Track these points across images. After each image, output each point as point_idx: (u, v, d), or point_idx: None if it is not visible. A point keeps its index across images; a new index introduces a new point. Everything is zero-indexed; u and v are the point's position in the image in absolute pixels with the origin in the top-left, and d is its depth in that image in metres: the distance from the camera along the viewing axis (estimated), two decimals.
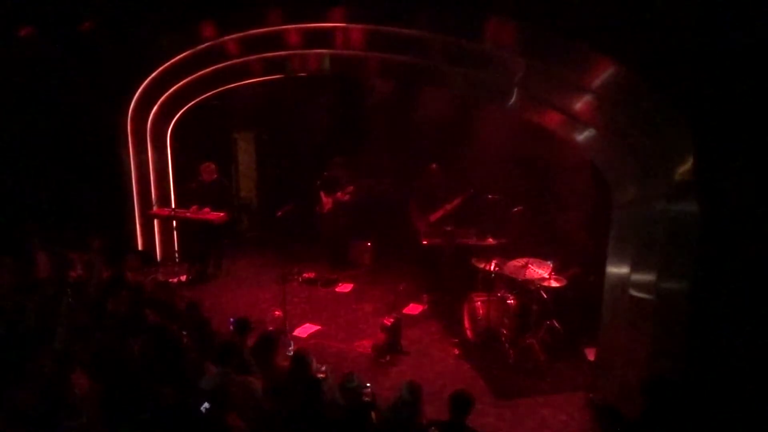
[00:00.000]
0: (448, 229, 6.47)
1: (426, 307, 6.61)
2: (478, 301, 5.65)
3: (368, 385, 3.67)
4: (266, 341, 4.33)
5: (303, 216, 7.46)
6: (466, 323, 5.80)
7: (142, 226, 7.53)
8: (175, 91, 7.14)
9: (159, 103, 7.27)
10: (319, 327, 6.08)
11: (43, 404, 3.15)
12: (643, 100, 3.76)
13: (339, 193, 7.66)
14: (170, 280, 6.89)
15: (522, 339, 5.35)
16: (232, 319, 4.66)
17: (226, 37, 5.92)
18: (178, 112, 7.65)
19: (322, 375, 3.77)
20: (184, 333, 4.36)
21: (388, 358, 5.39)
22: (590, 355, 5.20)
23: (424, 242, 6.64)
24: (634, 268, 4.18)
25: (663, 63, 3.43)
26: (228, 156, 9.02)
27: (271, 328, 5.49)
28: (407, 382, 3.68)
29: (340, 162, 7.77)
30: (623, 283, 4.29)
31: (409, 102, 7.57)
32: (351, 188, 7.61)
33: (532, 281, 5.33)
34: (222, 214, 7.08)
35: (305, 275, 7.46)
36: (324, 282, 7.36)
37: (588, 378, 4.95)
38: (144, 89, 6.88)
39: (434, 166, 6.99)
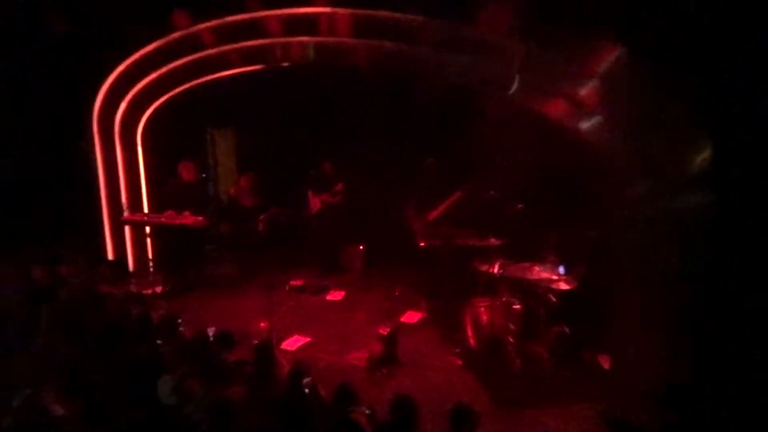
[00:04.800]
0: (448, 229, 6.48)
1: (424, 314, 6.63)
2: (480, 307, 5.67)
3: (367, 411, 3.66)
4: (264, 352, 4.34)
5: (289, 218, 7.46)
6: (469, 331, 5.81)
7: (112, 233, 7.50)
8: (145, 85, 7.11)
9: (128, 98, 7.24)
10: (308, 339, 6.07)
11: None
12: (652, 86, 3.79)
13: (327, 193, 7.66)
14: (145, 291, 6.86)
15: (529, 346, 5.37)
16: (211, 331, 4.66)
17: (201, 26, 5.91)
18: (149, 108, 7.62)
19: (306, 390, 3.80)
20: (161, 350, 4.36)
21: (384, 370, 5.39)
22: (603, 362, 5.22)
23: (422, 244, 6.64)
24: (647, 267, 4.21)
25: (674, 46, 3.46)
26: (205, 155, 9.00)
27: (256, 341, 5.47)
28: (399, 396, 3.66)
29: (328, 159, 7.78)
30: (635, 284, 4.31)
31: (401, 93, 7.59)
32: (340, 187, 7.63)
33: (539, 284, 5.35)
34: (201, 218, 7.06)
35: (293, 283, 7.46)
36: (313, 289, 7.36)
37: (601, 387, 4.97)
38: (112, 83, 6.85)
39: (431, 161, 7.01)
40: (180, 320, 5.26)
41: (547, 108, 5.08)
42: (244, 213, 7.60)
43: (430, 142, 7.40)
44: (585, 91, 4.41)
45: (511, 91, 5.19)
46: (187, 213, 7.09)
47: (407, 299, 6.87)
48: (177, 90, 7.46)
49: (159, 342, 4.49)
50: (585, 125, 4.76)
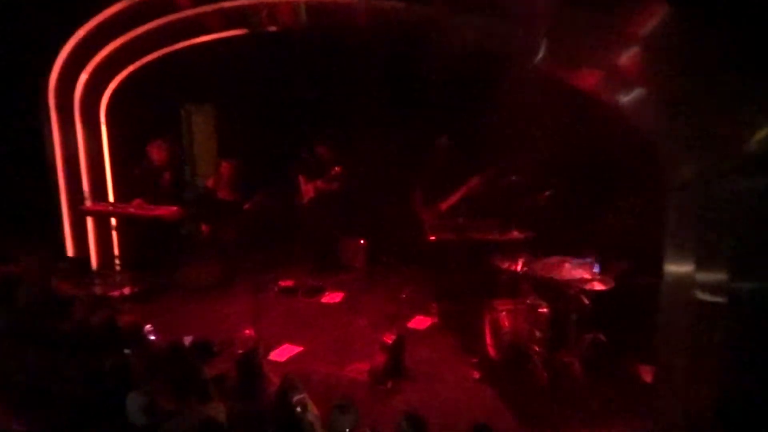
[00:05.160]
0: (463, 220, 6.47)
1: (436, 319, 6.64)
2: (501, 311, 5.66)
3: None
4: (248, 364, 4.35)
5: (278, 209, 7.47)
6: (488, 338, 5.81)
7: (72, 225, 7.51)
8: (110, 53, 7.09)
9: (90, 68, 7.22)
10: (301, 348, 6.08)
11: None
12: (703, 54, 3.75)
13: (322, 179, 7.66)
14: (111, 293, 6.88)
15: (558, 357, 5.36)
16: (188, 340, 4.67)
17: None
18: (114, 81, 7.60)
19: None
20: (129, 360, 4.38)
21: (389, 384, 5.39)
22: (645, 374, 5.21)
23: (432, 238, 6.62)
24: (700, 264, 4.18)
25: (730, 5, 3.42)
26: (180, 135, 8.99)
27: (240, 351, 5.50)
28: (407, 414, 3.68)
29: (323, 139, 7.76)
30: (685, 283, 4.28)
31: (408, 62, 7.56)
32: (337, 171, 7.62)
33: (569, 284, 5.32)
34: (175, 208, 7.06)
35: (282, 283, 7.49)
36: (306, 291, 7.40)
37: (643, 404, 4.96)
38: (70, 51, 6.83)
39: (444, 140, 7.01)
40: (151, 327, 5.29)
41: (579, 79, 5.05)
42: (224, 209, 7.57)
43: (442, 118, 7.38)
44: (624, 58, 4.37)
45: (537, 59, 5.15)
46: (172, 202, 7.14)
47: (416, 302, 6.90)
48: (147, 59, 7.45)
49: (127, 352, 4.49)
50: (624, 99, 4.72)
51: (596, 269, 5.36)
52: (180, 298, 7.30)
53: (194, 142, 9.36)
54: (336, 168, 7.64)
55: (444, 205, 6.86)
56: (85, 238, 7.66)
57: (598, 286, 5.29)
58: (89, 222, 7.65)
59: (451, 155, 7.00)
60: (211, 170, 9.26)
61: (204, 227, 7.48)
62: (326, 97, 8.22)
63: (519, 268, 5.67)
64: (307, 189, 7.80)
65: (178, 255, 7.70)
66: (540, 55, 5.09)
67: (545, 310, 5.50)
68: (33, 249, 6.04)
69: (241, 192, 7.61)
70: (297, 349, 6.07)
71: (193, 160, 9.28)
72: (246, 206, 7.04)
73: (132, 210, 7.17)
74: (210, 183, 7.79)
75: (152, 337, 5.29)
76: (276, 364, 5.76)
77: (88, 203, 7.42)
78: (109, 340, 4.86)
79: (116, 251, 7.80)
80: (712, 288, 4.05)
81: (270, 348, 5.99)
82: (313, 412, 3.88)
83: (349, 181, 7.85)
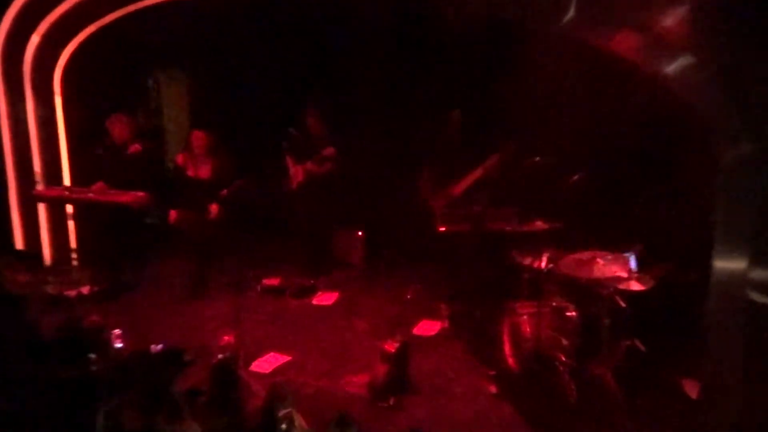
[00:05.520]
0: (478, 208, 6.45)
1: (445, 324, 6.62)
2: (522, 315, 5.65)
3: None
4: (225, 375, 4.35)
5: (261, 195, 7.45)
6: (507, 346, 5.80)
7: (21, 213, 7.51)
8: (65, 11, 7.05)
9: (42, 30, 7.19)
10: (288, 357, 6.06)
11: None
12: (760, 15, 3.72)
13: (313, 160, 7.63)
14: (67, 293, 6.87)
15: (588, 368, 5.35)
16: (157, 347, 4.67)
17: None
18: (71, 44, 7.56)
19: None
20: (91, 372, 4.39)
21: (391, 400, 5.36)
22: (690, 389, 5.20)
23: (442, 229, 6.63)
24: (755, 259, 4.16)
25: None
26: (147, 108, 8.96)
27: (221, 356, 5.50)
28: None
29: (314, 114, 7.74)
30: (738, 282, 4.27)
31: (416, 22, 7.52)
32: (331, 151, 7.58)
33: (602, 283, 5.30)
34: (142, 194, 7.04)
35: (267, 282, 7.50)
36: (295, 291, 7.41)
37: (688, 423, 4.96)
38: (19, 10, 6.79)
39: (457, 114, 6.98)
40: (115, 332, 5.28)
41: (614, 44, 5.02)
42: (197, 190, 7.33)
43: (454, 88, 7.37)
44: (669, 20, 4.34)
45: (566, 20, 5.12)
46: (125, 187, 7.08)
47: (422, 304, 6.89)
48: (109, 18, 7.40)
49: (88, 361, 4.48)
50: (669, 68, 4.69)
51: (633, 266, 5.35)
52: (148, 298, 7.29)
53: (164, 116, 9.31)
54: (329, 148, 7.61)
55: (456, 191, 6.84)
56: (37, 229, 7.66)
57: (636, 286, 5.26)
58: (41, 209, 7.64)
59: (465, 132, 6.96)
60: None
61: (172, 213, 7.31)
62: (319, 63, 8.17)
63: (543, 264, 5.63)
64: (296, 172, 7.76)
65: (146, 248, 7.67)
66: (569, 14, 5.07)
67: (573, 313, 5.48)
68: None
69: (218, 170, 7.46)
70: (284, 359, 6.04)
71: (163, 137, 9.23)
72: (224, 192, 6.98)
73: (92, 195, 7.14)
74: (179, 159, 7.59)
75: (119, 344, 5.30)
76: (259, 375, 5.73)
77: (40, 187, 7.40)
78: (68, 348, 4.86)
79: (73, 244, 7.78)
80: None
81: (253, 357, 5.96)
82: (302, 427, 3.87)
83: (345, 162, 7.80)
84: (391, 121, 8.02)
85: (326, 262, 8.05)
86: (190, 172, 7.25)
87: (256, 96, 8.43)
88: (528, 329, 5.60)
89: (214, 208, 7.11)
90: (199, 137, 7.23)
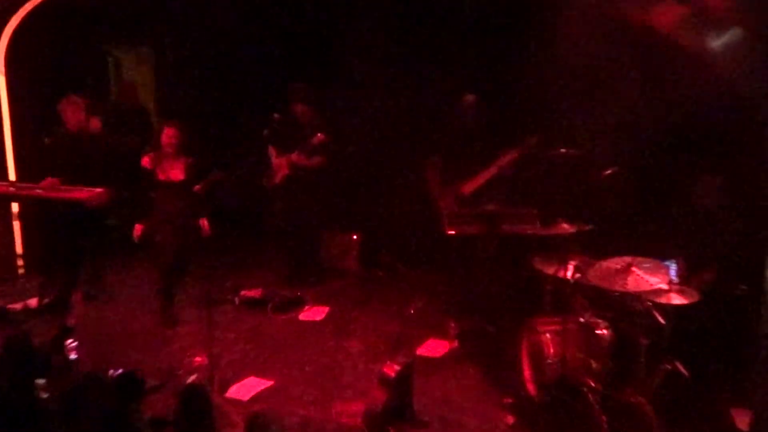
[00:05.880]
0: (494, 208, 6.39)
1: (455, 343, 6.58)
2: (545, 333, 5.61)
3: None
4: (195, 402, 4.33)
5: (239, 191, 7.43)
6: (526, 370, 5.78)
7: None
8: None
9: None
10: (270, 382, 6.05)
11: None
12: None
13: (300, 150, 7.60)
14: (11, 306, 6.86)
15: (622, 395, 5.32)
16: (115, 371, 4.66)
17: None
18: (15, 17, 7.55)
19: None
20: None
21: None
22: (741, 420, 5.18)
23: (452, 232, 6.53)
24: None
25: None
26: (105, 90, 8.95)
27: (191, 380, 5.49)
28: None
29: (300, 96, 7.71)
30: None
31: None
32: (321, 139, 7.53)
33: (638, 296, 5.28)
34: (100, 190, 6.99)
35: (246, 293, 7.48)
36: (279, 304, 7.38)
37: None
38: None
39: (470, 98, 6.94)
40: (69, 344, 5.25)
41: (652, 16, 5.01)
42: (169, 194, 6.99)
43: (468, 68, 7.36)
44: None
45: None
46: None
47: (428, 320, 6.87)
48: None
49: (37, 386, 4.46)
50: (714, 42, 4.68)
51: (674, 276, 5.33)
52: (107, 312, 7.28)
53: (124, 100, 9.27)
54: (319, 135, 7.56)
55: (469, 188, 6.80)
56: None
57: (678, 300, 5.23)
58: None
59: (480, 119, 6.92)
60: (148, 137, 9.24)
61: (137, 228, 7.13)
62: (307, 36, 8.15)
63: (570, 274, 5.59)
64: (280, 164, 7.75)
65: (105, 254, 7.65)
66: None
67: (605, 331, 5.42)
68: None
69: (192, 169, 7.29)
70: (265, 384, 6.02)
71: (122, 124, 9.21)
72: (197, 188, 6.92)
73: (41, 192, 7.09)
74: (146, 161, 7.36)
75: (73, 356, 5.28)
76: (237, 403, 5.70)
77: None
78: (14, 370, 4.85)
79: (19, 248, 7.77)
80: None
81: (229, 381, 5.95)
82: None
83: (338, 152, 7.79)
84: (393, 105, 7.99)
85: (315, 270, 8.03)
86: (160, 176, 7.03)
87: (234, 77, 8.40)
88: (551, 350, 5.56)
89: (205, 223, 6.96)
90: (170, 135, 6.94)
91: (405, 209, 7.55)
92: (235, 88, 8.43)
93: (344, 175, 7.94)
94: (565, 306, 5.62)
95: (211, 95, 8.61)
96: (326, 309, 7.37)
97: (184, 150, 7.03)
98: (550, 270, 5.76)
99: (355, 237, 8.10)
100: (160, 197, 6.99)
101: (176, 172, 6.94)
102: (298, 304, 7.42)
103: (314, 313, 7.31)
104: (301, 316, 7.27)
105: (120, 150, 7.69)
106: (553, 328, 5.59)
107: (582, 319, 5.54)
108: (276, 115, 7.69)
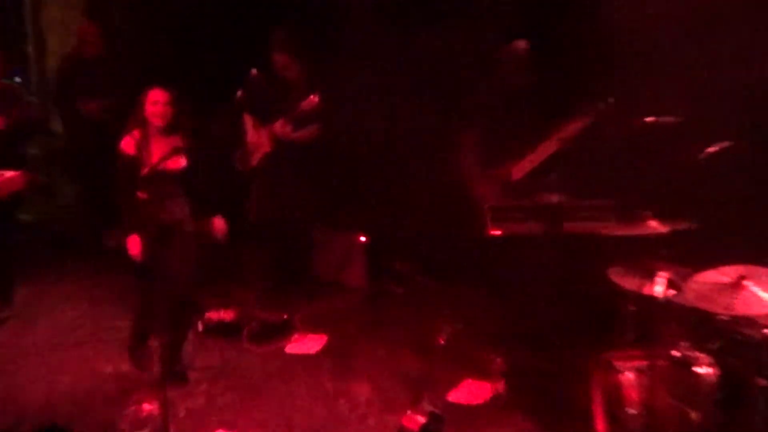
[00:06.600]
0: (556, 199, 6.39)
1: (501, 386, 6.56)
2: (625, 371, 5.60)
3: None
4: None
5: (206, 176, 7.41)
6: (599, 422, 5.76)
7: None
8: None
9: None
10: None
11: None
12: None
13: (286, 117, 7.59)
14: None
15: None
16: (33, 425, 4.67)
17: None
18: None
19: None
20: None
21: None
22: None
23: (495, 232, 6.57)
24: None
25: None
26: (22, 35, 9.02)
27: None
28: None
29: (285, 46, 7.76)
30: None
31: None
32: (313, 102, 7.51)
33: (754, 321, 5.26)
34: (15, 173, 7.03)
35: (212, 316, 7.51)
36: (257, 331, 7.40)
37: None
38: None
39: (521, 46, 6.97)
40: None
41: None
42: (164, 188, 6.84)
43: (511, 16, 7.37)
44: None
45: None
46: None
47: (463, 353, 6.84)
48: None
49: None
50: None
51: None
52: (21, 340, 7.30)
53: (45, 49, 9.42)
54: (311, 97, 7.54)
55: (519, 171, 6.82)
56: None
57: None
58: None
59: (532, 77, 6.95)
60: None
61: (134, 239, 6.61)
62: None
63: (659, 290, 5.58)
64: (259, 138, 7.77)
65: (19, 259, 7.69)
66: None
67: (708, 370, 5.42)
68: None
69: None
70: None
71: (45, 81, 9.29)
72: (144, 172, 6.75)
73: None
74: (126, 145, 6.83)
75: None
76: None
77: None
78: None
79: None
80: None
81: None
82: None
83: (336, 122, 7.82)
84: (410, 57, 7.98)
85: (307, 284, 8.11)
86: (150, 163, 6.46)
87: (197, 19, 8.42)
88: (634, 394, 5.54)
89: (220, 224, 6.70)
90: (159, 100, 6.29)
91: (428, 201, 7.55)
92: (198, 37, 8.45)
93: (345, 153, 7.93)
94: (652, 334, 5.61)
95: (164, 46, 8.63)
96: (323, 338, 7.38)
97: (176, 123, 6.48)
98: (632, 285, 5.72)
99: (361, 239, 8.13)
100: (152, 195, 6.30)
101: (175, 158, 6.35)
102: (283, 330, 7.43)
103: (306, 344, 7.31)
104: (288, 348, 7.28)
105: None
106: (636, 365, 5.55)
107: (676, 353, 5.51)
108: (253, 71, 7.67)
